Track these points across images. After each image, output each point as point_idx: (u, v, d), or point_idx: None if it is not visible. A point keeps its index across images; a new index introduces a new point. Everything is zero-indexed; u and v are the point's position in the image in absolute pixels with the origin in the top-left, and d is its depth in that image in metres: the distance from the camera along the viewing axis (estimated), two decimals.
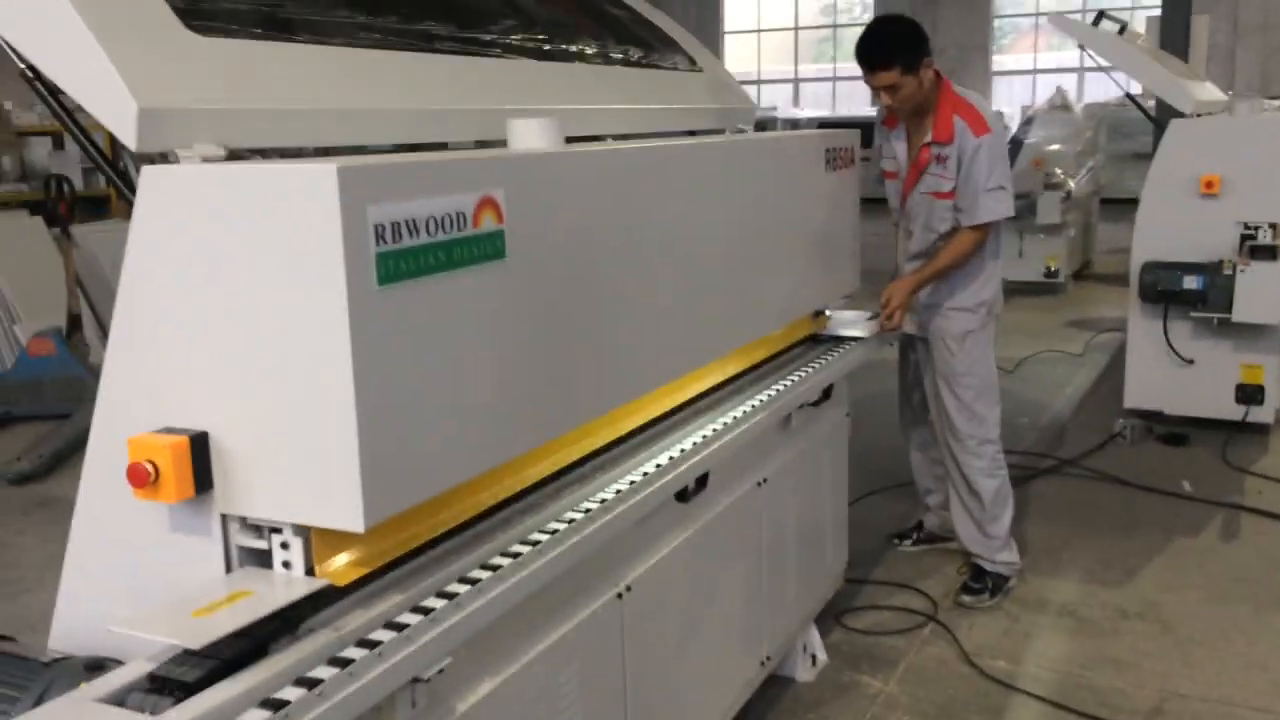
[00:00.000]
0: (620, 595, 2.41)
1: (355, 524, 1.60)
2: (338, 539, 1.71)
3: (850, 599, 4.11)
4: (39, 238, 8.55)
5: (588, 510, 2.14)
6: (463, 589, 1.80)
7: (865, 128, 4.24)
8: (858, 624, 3.95)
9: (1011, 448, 4.43)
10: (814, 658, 3.64)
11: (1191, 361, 5.70)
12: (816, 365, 3.35)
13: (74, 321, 7.74)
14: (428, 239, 1.68)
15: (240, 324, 1.62)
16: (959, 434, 4.04)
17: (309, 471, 1.61)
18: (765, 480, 3.14)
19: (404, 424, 1.67)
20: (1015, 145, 9.67)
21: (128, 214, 1.69)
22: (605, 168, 2.24)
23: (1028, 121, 10.74)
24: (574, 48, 2.94)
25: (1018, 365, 7.47)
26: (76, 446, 6.47)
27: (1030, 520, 4.83)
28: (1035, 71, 21.79)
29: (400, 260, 1.64)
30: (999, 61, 22.03)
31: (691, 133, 3.22)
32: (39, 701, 1.58)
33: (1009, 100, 19.83)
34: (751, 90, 24.29)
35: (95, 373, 7.77)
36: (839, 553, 3.87)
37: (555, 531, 2.03)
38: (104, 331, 8.53)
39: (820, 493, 3.63)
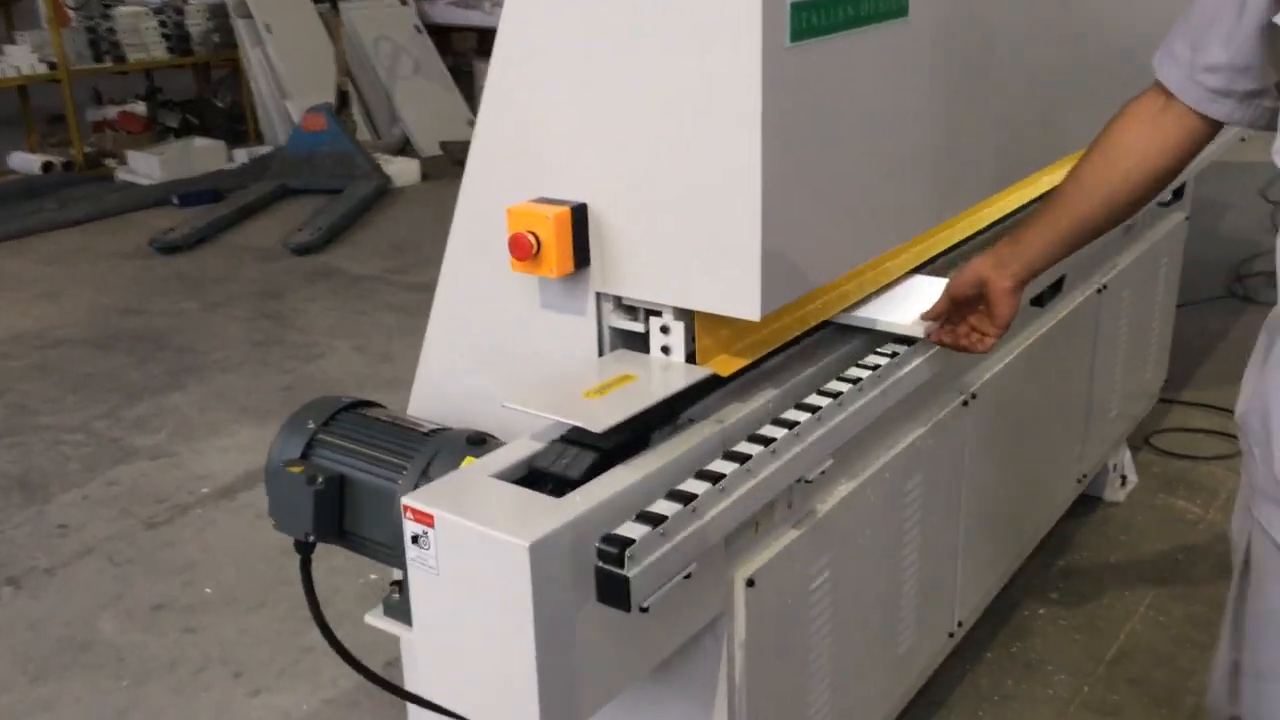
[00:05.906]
0: (966, 403, 2.23)
1: (751, 311, 1.46)
2: (718, 326, 1.59)
3: (1159, 419, 3.80)
4: (308, 14, 8.68)
5: None
6: (844, 387, 1.65)
7: None
8: (1169, 446, 3.66)
9: None
10: (1123, 478, 3.40)
11: None
12: None
13: (342, 99, 7.89)
14: None
15: (627, 85, 1.46)
16: None
17: (699, 251, 1.47)
18: (1105, 286, 2.84)
19: (806, 202, 1.50)
20: None
21: None
22: None
23: None
24: None
25: None
26: (351, 220, 6.71)
27: None
28: None
29: (812, 13, 1.42)
30: None
31: None
32: (425, 471, 1.55)
33: None
34: None
35: (362, 149, 7.97)
36: (1159, 368, 3.55)
37: None
38: (365, 108, 8.70)
39: (1153, 302, 3.29)
